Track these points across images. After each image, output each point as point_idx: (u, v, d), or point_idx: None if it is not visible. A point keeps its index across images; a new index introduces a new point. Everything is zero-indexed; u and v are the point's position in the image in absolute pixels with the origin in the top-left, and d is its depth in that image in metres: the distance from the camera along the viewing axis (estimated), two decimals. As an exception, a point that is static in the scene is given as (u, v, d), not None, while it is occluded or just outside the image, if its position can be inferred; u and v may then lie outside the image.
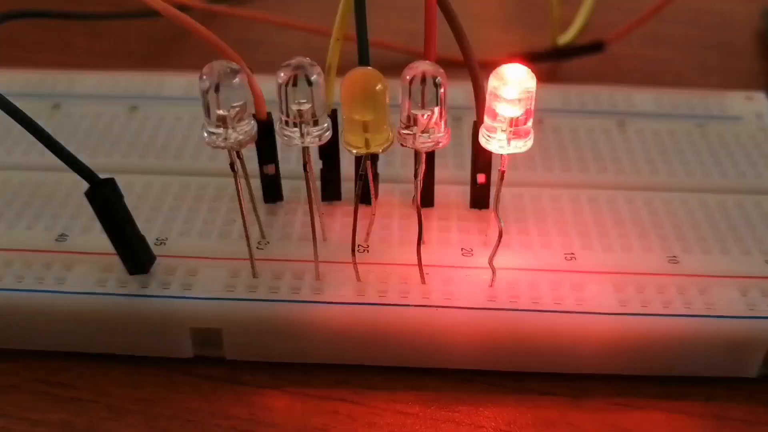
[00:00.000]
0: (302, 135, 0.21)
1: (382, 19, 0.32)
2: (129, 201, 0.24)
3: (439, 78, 0.21)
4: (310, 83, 0.21)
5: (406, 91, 0.21)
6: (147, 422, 0.23)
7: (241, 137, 0.22)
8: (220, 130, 0.21)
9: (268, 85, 0.23)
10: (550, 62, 0.38)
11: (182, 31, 0.24)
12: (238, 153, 0.23)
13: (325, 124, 0.22)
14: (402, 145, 0.22)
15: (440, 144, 0.22)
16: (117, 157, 0.29)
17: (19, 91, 0.32)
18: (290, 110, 0.21)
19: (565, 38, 0.38)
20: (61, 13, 0.39)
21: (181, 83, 0.32)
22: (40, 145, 0.22)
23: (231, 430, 0.23)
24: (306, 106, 0.21)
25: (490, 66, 0.21)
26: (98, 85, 0.32)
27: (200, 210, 0.27)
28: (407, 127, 0.21)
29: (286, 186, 0.27)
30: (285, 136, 0.22)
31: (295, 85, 0.21)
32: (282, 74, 0.21)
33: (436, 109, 0.21)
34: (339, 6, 0.24)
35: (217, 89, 0.21)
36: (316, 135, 0.22)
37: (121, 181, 0.23)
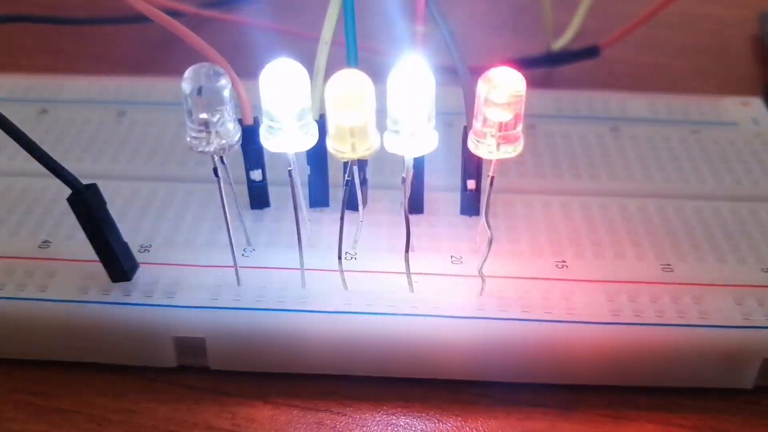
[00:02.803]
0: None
1: (371, 23, 0.32)
2: (115, 207, 0.23)
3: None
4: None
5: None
6: (128, 433, 0.22)
7: (224, 141, 0.21)
8: (203, 134, 0.21)
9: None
10: (543, 68, 0.37)
11: (171, 36, 0.23)
12: (221, 158, 0.22)
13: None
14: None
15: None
16: (104, 162, 0.29)
17: (6, 95, 0.31)
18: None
19: (559, 43, 0.37)
20: (51, 18, 0.39)
21: (170, 89, 0.32)
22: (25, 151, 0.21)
23: (214, 442, 0.22)
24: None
25: (482, 72, 0.21)
26: (86, 90, 0.32)
27: (186, 217, 0.26)
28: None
29: (273, 192, 0.27)
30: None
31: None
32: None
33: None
34: (328, 8, 0.24)
35: (199, 92, 0.20)
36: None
37: (107, 187, 0.23)
